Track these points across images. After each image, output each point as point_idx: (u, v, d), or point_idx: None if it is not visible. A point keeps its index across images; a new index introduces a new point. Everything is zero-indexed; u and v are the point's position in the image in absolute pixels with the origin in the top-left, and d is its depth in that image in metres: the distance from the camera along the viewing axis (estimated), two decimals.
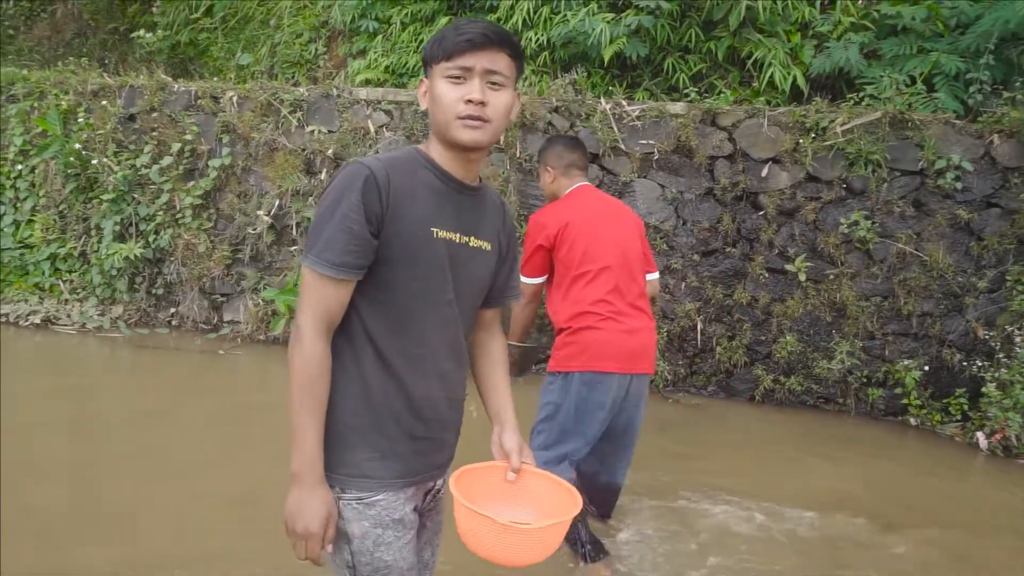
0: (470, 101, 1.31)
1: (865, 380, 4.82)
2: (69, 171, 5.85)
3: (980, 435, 4.39)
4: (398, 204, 1.33)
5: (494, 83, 1.34)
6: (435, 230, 1.37)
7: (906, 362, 4.73)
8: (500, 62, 1.33)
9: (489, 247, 1.49)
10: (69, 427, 3.88)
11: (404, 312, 1.38)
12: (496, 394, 1.60)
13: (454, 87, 1.33)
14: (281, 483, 1.36)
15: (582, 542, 2.71)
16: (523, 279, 2.87)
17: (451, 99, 1.32)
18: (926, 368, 4.71)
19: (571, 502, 1.40)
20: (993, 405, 4.36)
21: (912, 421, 4.74)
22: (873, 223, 4.72)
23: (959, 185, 4.63)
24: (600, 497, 3.02)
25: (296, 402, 1.29)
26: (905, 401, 4.73)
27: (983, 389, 4.47)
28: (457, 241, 1.41)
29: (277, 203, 5.58)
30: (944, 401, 4.69)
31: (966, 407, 4.60)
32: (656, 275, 3.05)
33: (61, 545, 2.70)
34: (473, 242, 1.45)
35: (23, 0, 8.93)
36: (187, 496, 3.15)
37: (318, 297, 1.31)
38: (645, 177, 5.09)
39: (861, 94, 4.96)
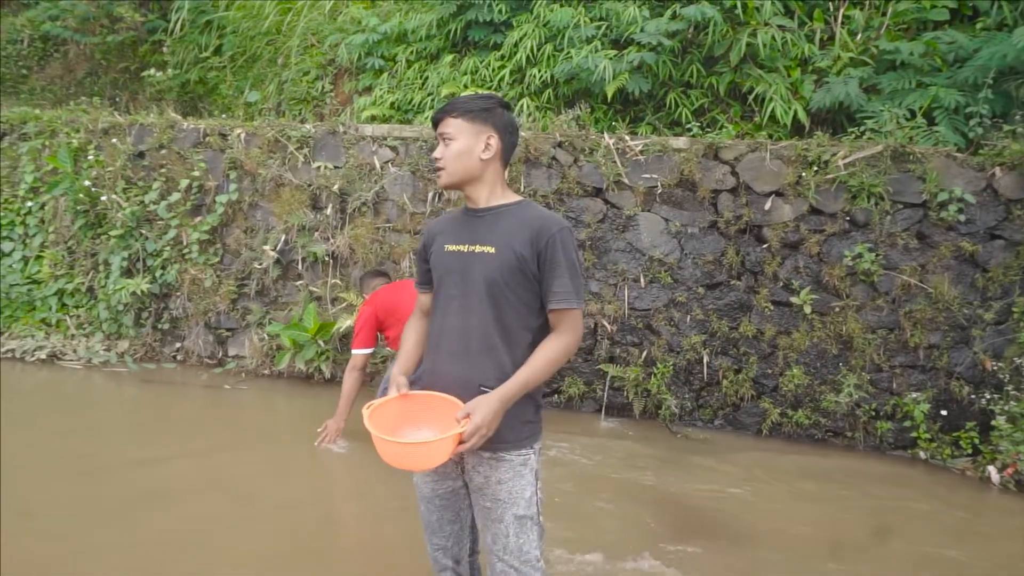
0: (432, 158, 2.02)
1: (873, 413, 4.78)
2: (78, 207, 5.93)
3: (992, 469, 4.33)
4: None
5: (446, 140, 1.96)
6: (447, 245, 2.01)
7: (914, 395, 4.69)
8: (448, 126, 1.95)
9: (493, 251, 1.92)
10: (71, 466, 3.86)
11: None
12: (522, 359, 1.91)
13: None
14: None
15: None
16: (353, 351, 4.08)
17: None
18: (939, 402, 4.67)
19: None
20: (1004, 439, 4.31)
21: (922, 455, 4.68)
22: (877, 255, 4.73)
23: (962, 217, 4.64)
24: None
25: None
26: (914, 434, 4.68)
27: (993, 422, 4.42)
28: (464, 250, 1.96)
29: (283, 238, 5.62)
30: (954, 435, 4.64)
31: (977, 441, 4.54)
32: None
33: None
34: (477, 248, 1.94)
35: (37, 41, 9.12)
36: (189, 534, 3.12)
37: None
38: (649, 211, 5.12)
39: (862, 128, 5.01)
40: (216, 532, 3.22)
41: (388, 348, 4.57)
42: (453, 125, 1.95)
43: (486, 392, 1.85)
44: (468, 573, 2.17)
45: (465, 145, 1.94)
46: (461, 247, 1.97)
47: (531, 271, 1.91)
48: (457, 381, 1.92)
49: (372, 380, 5.07)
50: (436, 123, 1.99)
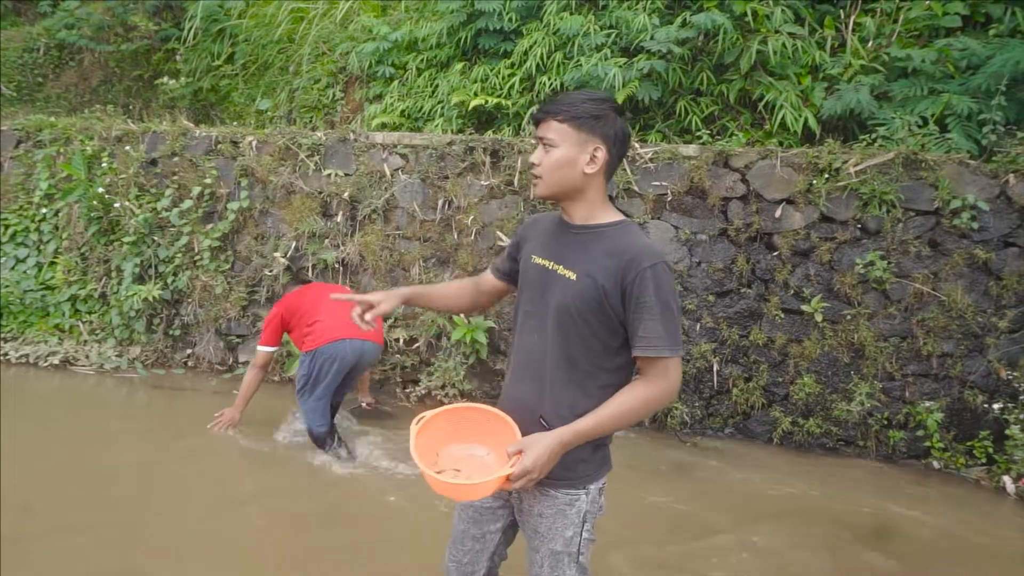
0: (529, 162, 1.82)
1: (885, 422, 4.74)
2: (92, 214, 5.98)
3: (1007, 479, 4.28)
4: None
5: (546, 145, 1.75)
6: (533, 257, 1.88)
7: (927, 403, 4.65)
8: (551, 130, 1.75)
9: (574, 277, 1.74)
10: (81, 471, 3.88)
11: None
12: (586, 399, 1.75)
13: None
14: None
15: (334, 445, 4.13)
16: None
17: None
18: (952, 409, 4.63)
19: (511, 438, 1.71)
20: (1019, 448, 4.27)
21: (935, 464, 4.63)
22: (889, 263, 4.70)
23: (975, 225, 4.60)
24: None
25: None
26: (927, 444, 4.63)
27: (1008, 431, 4.38)
28: (548, 267, 1.81)
29: (294, 245, 5.65)
30: (968, 444, 4.59)
31: (991, 450, 4.50)
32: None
33: None
34: (560, 270, 1.78)
35: (53, 49, 9.23)
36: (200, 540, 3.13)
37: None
38: (659, 218, 5.11)
39: (873, 135, 4.99)
40: (218, 533, 3.23)
41: (295, 348, 4.66)
42: (557, 130, 1.73)
43: (545, 427, 1.72)
44: None
45: (568, 155, 1.73)
46: (546, 262, 1.82)
47: (613, 306, 1.70)
48: (520, 404, 1.81)
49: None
50: (537, 122, 1.78)
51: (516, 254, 1.98)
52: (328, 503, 3.70)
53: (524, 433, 1.71)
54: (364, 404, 5.08)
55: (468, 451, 1.77)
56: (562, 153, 1.72)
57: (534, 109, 1.85)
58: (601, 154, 1.74)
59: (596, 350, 1.74)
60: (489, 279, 2.09)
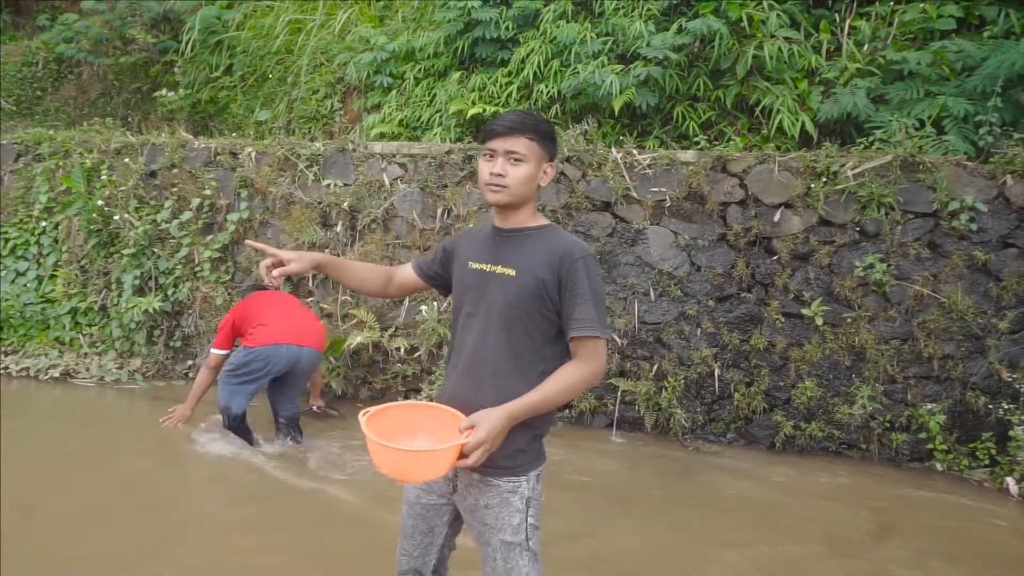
0: (492, 173, 1.89)
1: (888, 425, 4.73)
2: (91, 227, 5.99)
3: (1010, 480, 4.28)
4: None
5: (514, 159, 1.88)
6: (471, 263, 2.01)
7: (929, 406, 4.64)
8: (520, 145, 1.87)
9: (514, 273, 1.90)
10: (81, 481, 3.88)
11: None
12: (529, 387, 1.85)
13: (486, 164, 1.92)
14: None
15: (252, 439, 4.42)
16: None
17: (483, 172, 1.92)
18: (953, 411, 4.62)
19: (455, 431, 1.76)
20: (1022, 449, 4.26)
21: (938, 467, 4.62)
22: (889, 266, 4.70)
23: (974, 226, 4.61)
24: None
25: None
26: (930, 446, 4.63)
27: (1011, 433, 4.37)
28: (486, 269, 1.96)
29: None
30: (971, 446, 4.59)
31: (994, 452, 4.49)
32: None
33: None
34: (499, 269, 1.93)
35: (52, 63, 9.26)
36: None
37: None
38: (658, 224, 5.12)
39: (871, 138, 5.00)
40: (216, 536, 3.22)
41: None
42: (526, 146, 1.88)
43: None
44: None
45: (533, 170, 1.90)
46: (483, 266, 1.97)
47: (551, 297, 1.88)
48: (464, 398, 1.90)
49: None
50: (499, 136, 1.88)
51: (448, 262, 2.12)
52: (323, 507, 3.70)
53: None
54: (315, 408, 5.13)
55: (415, 443, 1.84)
56: (530, 168, 1.89)
57: (496, 122, 1.90)
58: (551, 171, 1.96)
59: (537, 341, 1.91)
60: (408, 273, 2.21)
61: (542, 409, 1.83)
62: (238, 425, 4.40)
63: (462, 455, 1.71)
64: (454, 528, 2.11)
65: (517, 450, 1.90)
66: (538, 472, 1.98)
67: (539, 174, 1.93)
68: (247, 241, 2.18)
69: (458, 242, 2.13)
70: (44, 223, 6.30)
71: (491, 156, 1.90)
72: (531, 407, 1.80)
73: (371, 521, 3.54)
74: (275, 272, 1.93)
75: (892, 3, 5.69)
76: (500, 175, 1.88)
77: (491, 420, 1.74)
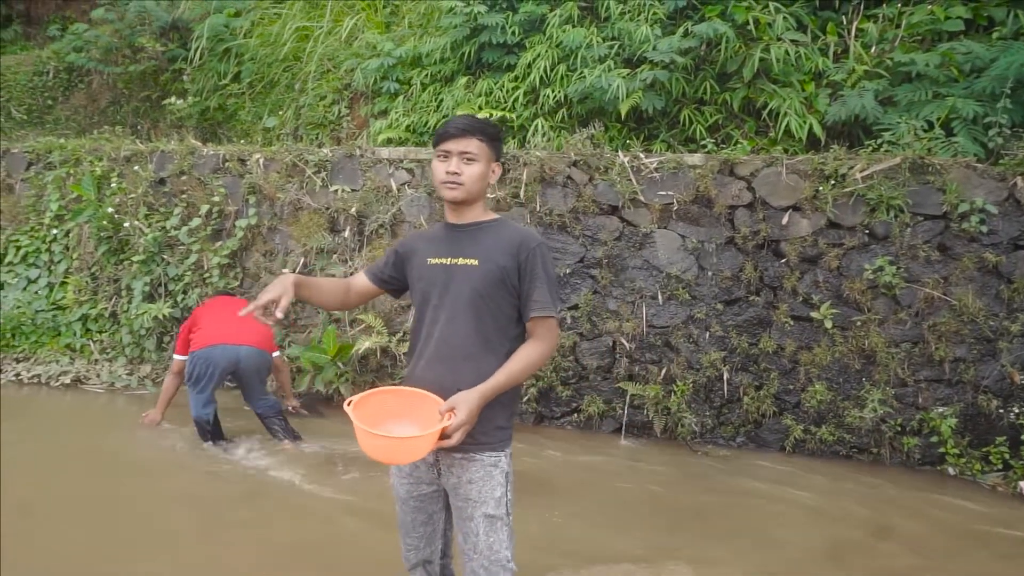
0: (448, 172, 2.05)
1: (899, 429, 4.70)
2: (102, 234, 6.03)
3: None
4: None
5: (467, 159, 2.04)
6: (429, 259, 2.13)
7: (940, 409, 4.61)
8: (472, 146, 2.04)
9: (476, 263, 2.05)
10: (89, 486, 3.90)
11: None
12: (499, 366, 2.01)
13: (440, 164, 2.07)
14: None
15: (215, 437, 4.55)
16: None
17: (439, 172, 2.08)
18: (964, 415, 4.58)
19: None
20: None
21: (951, 471, 4.59)
22: (898, 268, 4.67)
23: (984, 228, 4.58)
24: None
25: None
26: (942, 450, 4.59)
27: (1023, 436, 4.33)
28: (447, 263, 2.09)
29: (302, 261, 5.68)
30: (984, 449, 4.55)
31: (1007, 455, 4.45)
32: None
33: None
34: (460, 261, 2.07)
35: (62, 72, 9.35)
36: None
37: None
38: (665, 228, 5.11)
39: (879, 140, 4.98)
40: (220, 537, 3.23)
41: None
42: (477, 147, 2.05)
43: None
44: (439, 574, 2.27)
45: (484, 169, 2.08)
46: (444, 260, 2.10)
47: (512, 282, 2.05)
48: (437, 384, 2.00)
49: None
50: (452, 137, 2.05)
51: (401, 264, 2.23)
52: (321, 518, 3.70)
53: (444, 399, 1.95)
54: (290, 408, 5.17)
55: (401, 429, 1.95)
56: (482, 167, 2.07)
57: (449, 125, 2.07)
58: (499, 169, 2.15)
59: (502, 323, 2.07)
60: (363, 282, 2.30)
61: (508, 387, 2.00)
62: (204, 428, 4.51)
63: (443, 436, 1.85)
64: (450, 512, 2.19)
65: (496, 427, 2.06)
66: (511, 450, 2.13)
67: (489, 172, 2.11)
68: (242, 312, 2.00)
69: (409, 243, 2.24)
70: (55, 231, 6.35)
71: (445, 157, 2.06)
72: (499, 387, 1.96)
73: (369, 519, 3.55)
74: (278, 312, 1.95)
75: (900, 5, 5.67)
76: (456, 173, 2.04)
77: (469, 401, 1.89)
